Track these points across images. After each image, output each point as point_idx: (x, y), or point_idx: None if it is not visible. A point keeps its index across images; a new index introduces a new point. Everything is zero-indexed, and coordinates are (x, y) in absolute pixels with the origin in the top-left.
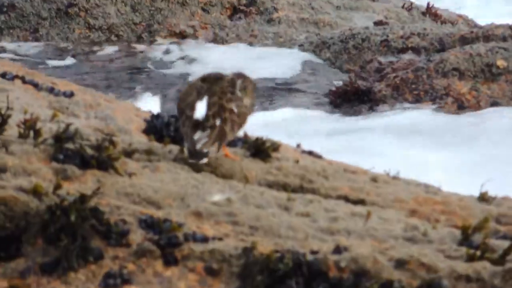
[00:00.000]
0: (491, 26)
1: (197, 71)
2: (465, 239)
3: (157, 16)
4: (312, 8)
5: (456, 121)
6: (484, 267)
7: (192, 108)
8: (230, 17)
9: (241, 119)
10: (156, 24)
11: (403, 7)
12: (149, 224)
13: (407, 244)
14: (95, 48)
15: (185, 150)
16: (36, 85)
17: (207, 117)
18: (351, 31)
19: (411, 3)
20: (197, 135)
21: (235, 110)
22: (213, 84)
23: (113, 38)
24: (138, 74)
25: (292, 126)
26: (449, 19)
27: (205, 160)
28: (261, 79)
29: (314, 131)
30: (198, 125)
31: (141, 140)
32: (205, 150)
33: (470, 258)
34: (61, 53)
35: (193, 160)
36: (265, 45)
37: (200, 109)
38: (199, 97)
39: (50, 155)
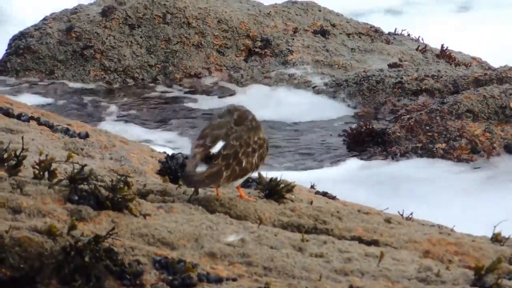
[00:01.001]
0: (505, 68)
1: None
2: (478, 279)
3: (172, 59)
4: (327, 51)
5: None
6: None
7: (214, 141)
8: (245, 59)
9: (243, 172)
10: (172, 66)
11: (417, 49)
12: (163, 264)
13: (420, 285)
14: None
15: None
16: (51, 127)
17: (218, 154)
18: (365, 73)
19: (425, 46)
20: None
21: (244, 164)
22: (240, 126)
23: (129, 80)
24: None
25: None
26: (463, 61)
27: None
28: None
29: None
30: (208, 158)
31: (156, 181)
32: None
33: None
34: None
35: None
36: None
37: (216, 146)
38: (226, 137)
39: (64, 196)
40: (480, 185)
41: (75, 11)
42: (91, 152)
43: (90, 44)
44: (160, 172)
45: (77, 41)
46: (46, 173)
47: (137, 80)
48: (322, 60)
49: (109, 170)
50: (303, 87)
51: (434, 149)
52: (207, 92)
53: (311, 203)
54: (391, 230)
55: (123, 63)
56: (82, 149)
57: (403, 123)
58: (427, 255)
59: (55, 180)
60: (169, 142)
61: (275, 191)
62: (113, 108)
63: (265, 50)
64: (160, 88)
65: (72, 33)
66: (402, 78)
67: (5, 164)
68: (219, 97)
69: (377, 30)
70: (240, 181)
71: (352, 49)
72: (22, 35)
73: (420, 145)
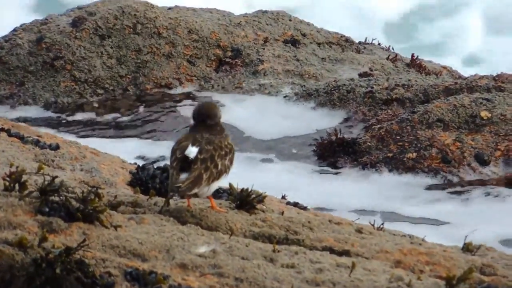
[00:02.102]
0: (475, 77)
1: None
2: None
3: (143, 69)
4: (298, 60)
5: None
6: None
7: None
8: (216, 69)
9: (219, 174)
10: (142, 76)
11: (388, 58)
12: (134, 276)
13: None
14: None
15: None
16: (21, 138)
17: (195, 159)
18: (336, 82)
19: (396, 55)
20: (183, 176)
21: (219, 167)
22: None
23: (99, 91)
24: None
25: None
26: (433, 71)
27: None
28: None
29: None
30: (185, 167)
31: (127, 193)
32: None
33: None
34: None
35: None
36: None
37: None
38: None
39: (35, 208)
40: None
41: (45, 21)
42: (61, 164)
43: (61, 55)
44: (131, 183)
45: (47, 52)
46: (17, 185)
47: (108, 90)
48: (292, 70)
49: (80, 181)
50: (274, 96)
51: (405, 159)
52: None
53: (282, 213)
54: (362, 240)
55: (93, 73)
56: (52, 161)
57: (374, 133)
58: (399, 265)
59: (25, 192)
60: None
61: (246, 202)
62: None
63: (236, 60)
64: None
65: (43, 44)
66: (372, 87)
67: None
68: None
69: (347, 40)
70: (216, 184)
71: (322, 58)
72: None
73: (391, 155)
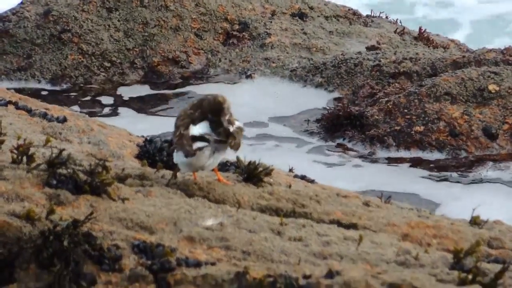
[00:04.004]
0: (483, 50)
1: None
2: (457, 263)
3: (150, 42)
4: (305, 33)
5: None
6: None
7: (186, 128)
8: (223, 42)
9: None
10: (149, 49)
11: (395, 32)
12: (141, 249)
13: (399, 268)
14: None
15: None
16: (29, 111)
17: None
18: (343, 56)
19: (404, 28)
20: (198, 143)
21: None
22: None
23: (107, 64)
24: None
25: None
26: (441, 44)
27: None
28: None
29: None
30: (196, 138)
31: (134, 165)
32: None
33: (462, 282)
34: None
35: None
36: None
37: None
38: (193, 122)
39: (43, 181)
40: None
41: None
42: (69, 137)
43: (68, 28)
44: (139, 156)
45: (54, 24)
46: (24, 158)
47: (115, 64)
48: (300, 43)
49: (87, 154)
50: (281, 71)
51: (412, 132)
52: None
53: (290, 186)
54: (370, 213)
55: (100, 47)
56: (60, 134)
57: (381, 106)
58: (406, 238)
59: (33, 165)
60: None
61: (253, 175)
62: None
63: (243, 33)
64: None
65: (50, 16)
66: (380, 61)
67: None
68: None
69: (355, 13)
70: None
71: (330, 32)
72: None
73: (398, 128)
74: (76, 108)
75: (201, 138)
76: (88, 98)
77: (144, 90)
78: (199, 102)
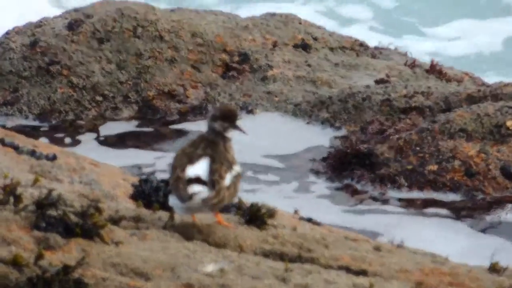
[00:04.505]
0: (500, 84)
1: None
2: None
3: (145, 75)
4: (309, 66)
5: None
6: None
7: (183, 169)
8: (222, 75)
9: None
10: (144, 82)
11: (405, 64)
12: None
13: None
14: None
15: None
16: (16, 148)
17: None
18: (350, 89)
19: (414, 60)
20: (195, 187)
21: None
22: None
23: (98, 98)
24: None
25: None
26: (454, 77)
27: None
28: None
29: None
30: (192, 181)
31: (129, 207)
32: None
33: None
34: None
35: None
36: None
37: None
38: (191, 161)
39: (31, 223)
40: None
41: (39, 24)
42: (59, 176)
43: (57, 60)
44: (133, 197)
45: (42, 56)
46: (11, 198)
47: (107, 98)
48: (304, 76)
49: (79, 194)
50: (284, 105)
51: (425, 171)
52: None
53: (295, 229)
54: (381, 258)
55: (92, 79)
56: (49, 172)
57: (392, 144)
58: (420, 286)
59: (21, 206)
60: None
61: (256, 217)
62: None
63: (243, 65)
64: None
65: (37, 48)
66: (390, 95)
67: None
68: None
69: (362, 44)
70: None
71: (335, 64)
72: None
73: (410, 167)
74: (66, 145)
75: (198, 180)
76: (79, 134)
77: (138, 126)
78: (198, 140)
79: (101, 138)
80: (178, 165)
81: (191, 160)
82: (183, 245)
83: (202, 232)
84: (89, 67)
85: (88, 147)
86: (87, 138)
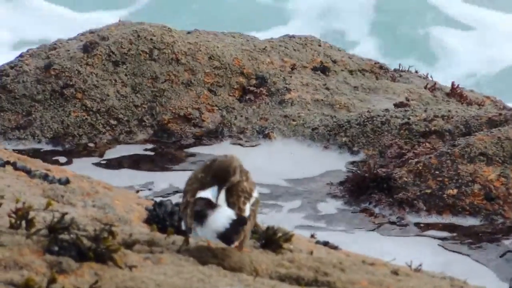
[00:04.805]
0: None
1: None
2: None
3: (160, 98)
4: (327, 89)
5: None
6: None
7: (193, 194)
8: (239, 98)
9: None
10: (159, 106)
11: (425, 87)
12: None
13: None
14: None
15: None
16: (28, 172)
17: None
18: (369, 113)
19: (435, 83)
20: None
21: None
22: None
23: (113, 121)
24: None
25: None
26: (475, 101)
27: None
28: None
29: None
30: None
31: (143, 231)
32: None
33: None
34: None
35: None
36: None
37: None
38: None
39: (43, 247)
40: None
41: (54, 46)
42: (72, 200)
43: (71, 83)
44: (147, 221)
45: (56, 79)
46: (24, 222)
47: (122, 121)
48: (322, 100)
49: (92, 218)
50: (301, 129)
51: (444, 195)
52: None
53: (311, 253)
54: (399, 283)
55: (106, 103)
56: (62, 196)
57: (411, 168)
58: None
59: (33, 230)
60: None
61: (272, 241)
62: None
63: (261, 88)
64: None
65: (51, 70)
66: (409, 118)
67: None
68: None
69: (382, 67)
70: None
71: (355, 87)
72: None
73: (429, 191)
74: (79, 169)
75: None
76: (92, 158)
77: (153, 150)
78: (210, 164)
79: (115, 162)
80: (188, 191)
81: (203, 185)
82: (197, 269)
83: (217, 256)
84: (103, 90)
85: (101, 171)
86: (100, 162)
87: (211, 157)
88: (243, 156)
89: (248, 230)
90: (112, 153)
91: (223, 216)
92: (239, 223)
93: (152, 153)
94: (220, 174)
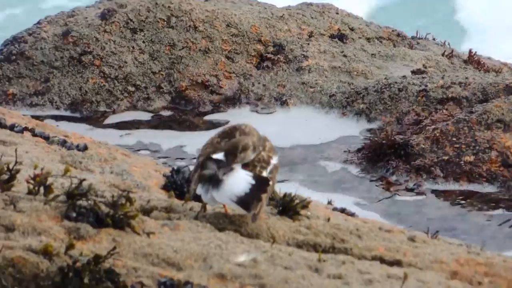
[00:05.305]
0: None
1: None
2: None
3: (178, 65)
4: (345, 56)
5: None
6: None
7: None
8: (257, 65)
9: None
10: (177, 73)
11: (443, 54)
12: (168, 286)
13: None
14: None
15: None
16: (47, 138)
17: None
18: (386, 80)
19: (452, 51)
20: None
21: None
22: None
23: (131, 88)
24: None
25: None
26: (493, 68)
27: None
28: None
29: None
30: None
31: (160, 197)
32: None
33: None
34: None
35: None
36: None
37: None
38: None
39: (62, 213)
40: None
41: (72, 14)
42: (90, 166)
43: (89, 50)
44: (165, 187)
45: (74, 46)
46: (42, 188)
47: (140, 88)
48: (339, 67)
49: (110, 185)
50: (319, 96)
51: (461, 162)
52: None
53: (328, 220)
54: (415, 249)
55: (124, 70)
56: (80, 163)
57: (428, 134)
58: (455, 277)
59: (51, 196)
60: None
61: (289, 208)
62: None
63: (278, 56)
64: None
65: (69, 37)
66: (426, 85)
67: None
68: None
69: (399, 34)
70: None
71: (372, 54)
72: (14, 40)
73: (446, 158)
74: (97, 135)
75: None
76: (110, 124)
77: (171, 116)
78: (227, 131)
79: (134, 128)
80: (202, 155)
81: (216, 151)
82: (215, 236)
83: (234, 223)
84: (121, 57)
85: (119, 137)
86: (119, 128)
87: (229, 124)
88: (260, 123)
89: (266, 197)
90: (131, 119)
91: (241, 179)
92: (259, 188)
93: (170, 120)
94: (231, 151)
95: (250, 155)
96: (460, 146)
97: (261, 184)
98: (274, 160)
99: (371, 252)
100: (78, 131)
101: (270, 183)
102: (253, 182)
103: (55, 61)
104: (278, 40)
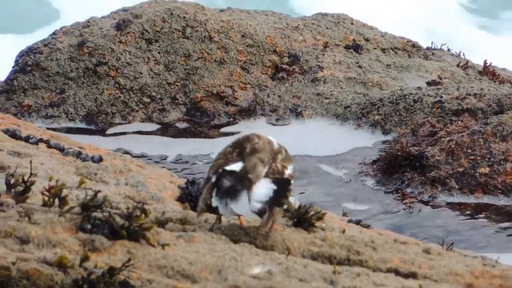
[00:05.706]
0: None
1: None
2: None
3: (193, 76)
4: (360, 67)
5: None
6: None
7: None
8: (272, 76)
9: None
10: (192, 84)
11: (458, 65)
12: None
13: None
14: None
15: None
16: (62, 150)
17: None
18: (402, 91)
19: (467, 62)
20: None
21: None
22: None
23: (146, 99)
24: None
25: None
26: (508, 79)
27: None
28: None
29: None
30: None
31: (175, 209)
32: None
33: None
34: None
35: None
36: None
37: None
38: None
39: (76, 225)
40: None
41: (87, 24)
42: (105, 177)
43: (104, 61)
44: (180, 199)
45: (89, 57)
46: (57, 200)
47: (155, 99)
48: (354, 78)
49: (125, 196)
50: (334, 107)
51: (476, 174)
52: None
53: (343, 232)
54: (431, 261)
55: (139, 81)
56: (95, 174)
57: (443, 146)
58: None
59: (66, 208)
60: None
61: (304, 219)
62: None
63: (293, 66)
64: None
65: (84, 48)
66: (441, 96)
67: (12, 190)
68: None
69: (414, 45)
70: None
71: (387, 65)
72: (30, 51)
73: (461, 169)
74: (112, 147)
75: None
76: (126, 136)
77: (187, 129)
78: (239, 141)
79: (150, 141)
80: (213, 166)
81: (228, 162)
82: (230, 247)
83: (249, 235)
84: (137, 68)
85: (135, 149)
86: (134, 140)
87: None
88: (275, 135)
89: (280, 209)
90: (146, 131)
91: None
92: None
93: (185, 131)
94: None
95: (262, 172)
96: (475, 158)
97: (282, 186)
98: (289, 170)
99: (386, 264)
100: (93, 143)
101: (292, 181)
102: (274, 187)
103: (71, 72)
104: (293, 50)
